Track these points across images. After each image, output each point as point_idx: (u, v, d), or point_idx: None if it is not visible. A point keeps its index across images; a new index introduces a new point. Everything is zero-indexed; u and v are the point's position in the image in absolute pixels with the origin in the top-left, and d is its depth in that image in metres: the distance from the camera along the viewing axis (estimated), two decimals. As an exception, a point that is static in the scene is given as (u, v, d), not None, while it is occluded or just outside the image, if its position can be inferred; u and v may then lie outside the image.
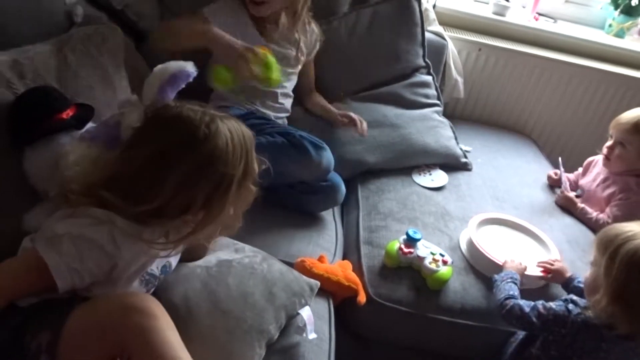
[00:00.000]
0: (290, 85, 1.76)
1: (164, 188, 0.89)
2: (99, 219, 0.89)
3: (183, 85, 1.10)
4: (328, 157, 1.50)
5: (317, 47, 1.79)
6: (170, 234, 0.95)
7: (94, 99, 1.21)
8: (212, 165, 0.91)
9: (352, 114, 1.76)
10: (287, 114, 1.77)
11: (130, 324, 0.79)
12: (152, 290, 1.04)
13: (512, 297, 1.28)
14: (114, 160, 0.94)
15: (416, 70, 2.00)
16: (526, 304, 1.25)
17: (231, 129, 0.94)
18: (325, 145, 1.50)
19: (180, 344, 0.84)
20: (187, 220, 0.94)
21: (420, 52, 2.00)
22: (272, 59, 1.44)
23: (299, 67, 1.76)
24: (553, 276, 1.41)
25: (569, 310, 1.21)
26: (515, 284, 1.32)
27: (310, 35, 1.76)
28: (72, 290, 0.88)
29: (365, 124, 1.75)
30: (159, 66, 1.10)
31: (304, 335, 1.13)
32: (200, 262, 1.14)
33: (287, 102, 1.76)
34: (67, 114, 1.10)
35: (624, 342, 1.19)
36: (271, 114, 1.69)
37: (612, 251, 1.13)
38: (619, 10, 2.36)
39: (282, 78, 1.58)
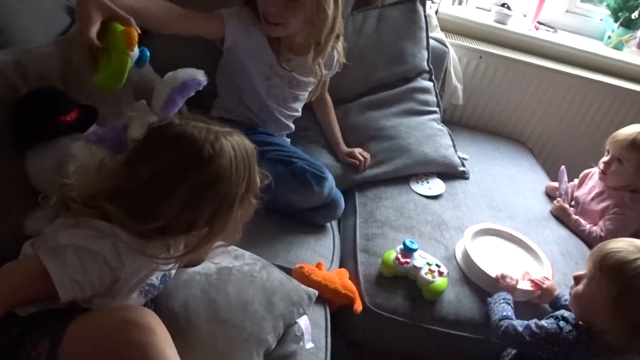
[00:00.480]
0: (299, 106, 1.71)
1: (168, 208, 0.88)
2: (103, 231, 0.88)
3: (192, 94, 1.10)
4: (330, 185, 1.49)
5: (337, 69, 1.72)
6: (172, 248, 0.95)
7: (98, 101, 1.19)
8: (217, 185, 0.91)
9: (358, 154, 1.77)
10: (290, 131, 1.75)
11: (129, 338, 0.79)
12: (151, 298, 1.04)
13: (506, 317, 1.29)
14: (117, 172, 0.93)
15: (419, 74, 2.00)
16: (519, 324, 1.26)
17: (234, 146, 0.94)
18: (326, 174, 1.49)
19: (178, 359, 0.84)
20: (190, 236, 0.94)
21: (425, 55, 2.01)
22: (123, 61, 1.03)
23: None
24: (541, 295, 1.43)
25: (560, 328, 1.23)
26: (509, 304, 1.33)
27: (332, 60, 1.67)
28: (73, 300, 0.88)
29: (368, 161, 1.78)
30: (170, 73, 1.10)
31: (301, 344, 1.13)
32: (199, 269, 1.13)
33: (291, 121, 1.72)
34: (71, 116, 1.10)
35: (615, 355, 1.21)
36: (274, 131, 1.66)
37: (625, 284, 1.14)
38: (618, 22, 2.38)
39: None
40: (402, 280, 1.41)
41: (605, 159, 1.82)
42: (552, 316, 1.29)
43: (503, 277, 1.40)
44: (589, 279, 1.22)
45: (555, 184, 1.97)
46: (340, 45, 1.64)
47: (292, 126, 1.73)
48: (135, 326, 0.80)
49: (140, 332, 0.80)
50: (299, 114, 1.72)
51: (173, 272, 1.07)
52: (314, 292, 1.23)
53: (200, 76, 1.11)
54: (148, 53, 1.09)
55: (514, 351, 1.33)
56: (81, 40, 1.04)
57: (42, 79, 1.14)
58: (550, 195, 1.98)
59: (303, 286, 1.22)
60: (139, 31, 1.06)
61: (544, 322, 1.25)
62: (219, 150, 0.91)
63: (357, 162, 1.77)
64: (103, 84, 1.03)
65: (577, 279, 1.27)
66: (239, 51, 1.51)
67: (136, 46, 1.05)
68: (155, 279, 1.00)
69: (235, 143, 0.94)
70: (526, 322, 1.26)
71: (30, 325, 0.84)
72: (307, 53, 1.55)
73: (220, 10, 1.46)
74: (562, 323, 1.24)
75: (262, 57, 1.53)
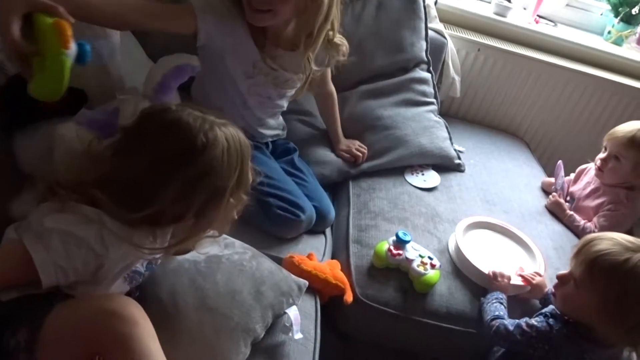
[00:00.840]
0: (285, 102, 1.58)
1: (158, 198, 0.87)
2: (89, 217, 0.87)
3: (186, 79, 1.08)
4: (308, 221, 1.45)
5: (331, 65, 1.57)
6: (159, 238, 0.93)
7: (88, 85, 1.18)
8: (208, 176, 0.89)
9: (356, 150, 1.75)
10: (278, 131, 1.65)
11: (111, 330, 0.78)
12: (137, 285, 1.02)
13: (498, 317, 1.28)
14: (108, 159, 0.91)
15: (417, 64, 1.99)
16: (510, 323, 1.26)
17: (228, 138, 0.92)
18: (302, 214, 1.41)
19: (161, 353, 0.83)
20: (178, 228, 0.93)
21: (424, 46, 1.99)
22: (59, 63, 0.85)
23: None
24: (532, 290, 1.42)
25: (550, 326, 1.22)
26: (501, 303, 1.33)
27: (323, 55, 1.50)
28: (55, 286, 0.86)
29: (365, 156, 1.76)
30: (164, 57, 1.08)
31: (290, 334, 1.12)
32: (188, 256, 1.12)
33: (275, 117, 1.62)
34: (61, 99, 1.08)
35: (604, 350, 1.21)
36: (256, 127, 1.55)
37: (621, 288, 1.13)
38: (619, 17, 2.35)
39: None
40: (394, 272, 1.40)
41: (602, 155, 1.80)
42: (541, 314, 1.28)
43: (495, 276, 1.39)
44: (578, 282, 1.20)
45: (552, 180, 1.96)
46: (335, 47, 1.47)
47: (273, 122, 1.62)
48: (117, 317, 0.79)
49: (122, 324, 0.79)
50: (284, 108, 1.62)
51: (159, 259, 1.06)
52: (304, 283, 1.22)
53: (195, 62, 1.09)
54: (88, 47, 0.91)
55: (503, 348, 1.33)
56: (4, 44, 0.85)
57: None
58: (546, 190, 1.97)
59: (293, 276, 1.21)
60: (72, 20, 0.89)
61: (534, 321, 1.25)
62: (213, 140, 0.89)
63: (353, 159, 1.76)
64: (42, 94, 0.88)
65: (562, 279, 1.25)
66: (216, 49, 1.35)
67: (72, 41, 0.86)
68: (140, 265, 0.99)
69: (230, 135, 0.93)
70: (517, 321, 1.26)
71: (10, 312, 0.83)
72: (297, 48, 1.39)
73: (192, 2, 1.27)
74: (551, 321, 1.24)
75: (244, 54, 1.38)
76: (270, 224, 1.41)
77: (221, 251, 1.16)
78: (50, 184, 0.91)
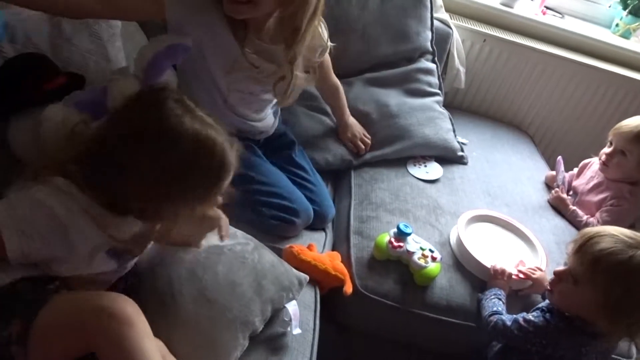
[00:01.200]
0: (271, 96, 1.44)
1: (117, 180, 0.83)
2: (59, 187, 0.84)
3: (179, 60, 1.06)
4: (305, 221, 1.43)
5: (320, 59, 1.46)
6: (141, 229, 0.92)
7: (87, 69, 1.16)
8: (160, 162, 0.83)
9: (359, 142, 1.73)
10: (269, 122, 1.54)
11: (105, 329, 0.77)
12: (131, 266, 1.00)
13: (496, 313, 1.28)
14: (89, 136, 0.89)
15: (423, 54, 1.97)
16: (508, 318, 1.25)
17: (200, 137, 0.84)
18: (298, 219, 1.39)
19: (155, 351, 0.81)
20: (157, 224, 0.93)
21: (429, 36, 1.98)
22: None
23: None
24: (533, 285, 1.41)
25: (547, 321, 1.22)
26: (500, 299, 1.32)
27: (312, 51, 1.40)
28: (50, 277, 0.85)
29: (368, 147, 1.74)
30: (155, 37, 1.06)
31: (289, 329, 1.12)
32: (188, 246, 1.11)
33: (262, 112, 1.49)
34: (57, 83, 1.06)
35: (602, 343, 1.21)
36: (242, 119, 1.44)
37: (625, 286, 1.12)
38: (627, 10, 2.32)
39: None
40: (394, 264, 1.39)
41: (607, 150, 1.78)
42: (538, 309, 1.28)
43: (495, 273, 1.38)
44: (579, 280, 1.19)
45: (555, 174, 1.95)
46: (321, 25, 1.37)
47: (258, 115, 1.48)
48: (111, 316, 0.77)
49: (115, 322, 0.77)
50: (272, 101, 1.49)
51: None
52: (305, 277, 1.20)
53: (188, 42, 1.05)
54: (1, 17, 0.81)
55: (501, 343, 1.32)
56: None
57: (30, 44, 1.11)
58: (549, 184, 1.95)
59: (294, 271, 1.20)
60: None
61: (531, 316, 1.24)
62: (177, 129, 0.83)
63: (356, 150, 1.74)
64: None
65: (560, 275, 1.24)
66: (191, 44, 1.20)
67: None
68: None
69: (205, 136, 0.85)
70: (514, 316, 1.25)
71: (2, 303, 0.81)
72: (279, 43, 1.28)
73: None
74: (548, 315, 1.23)
75: (223, 49, 1.27)
76: (265, 230, 1.37)
77: (223, 241, 1.15)
78: (37, 168, 0.89)
